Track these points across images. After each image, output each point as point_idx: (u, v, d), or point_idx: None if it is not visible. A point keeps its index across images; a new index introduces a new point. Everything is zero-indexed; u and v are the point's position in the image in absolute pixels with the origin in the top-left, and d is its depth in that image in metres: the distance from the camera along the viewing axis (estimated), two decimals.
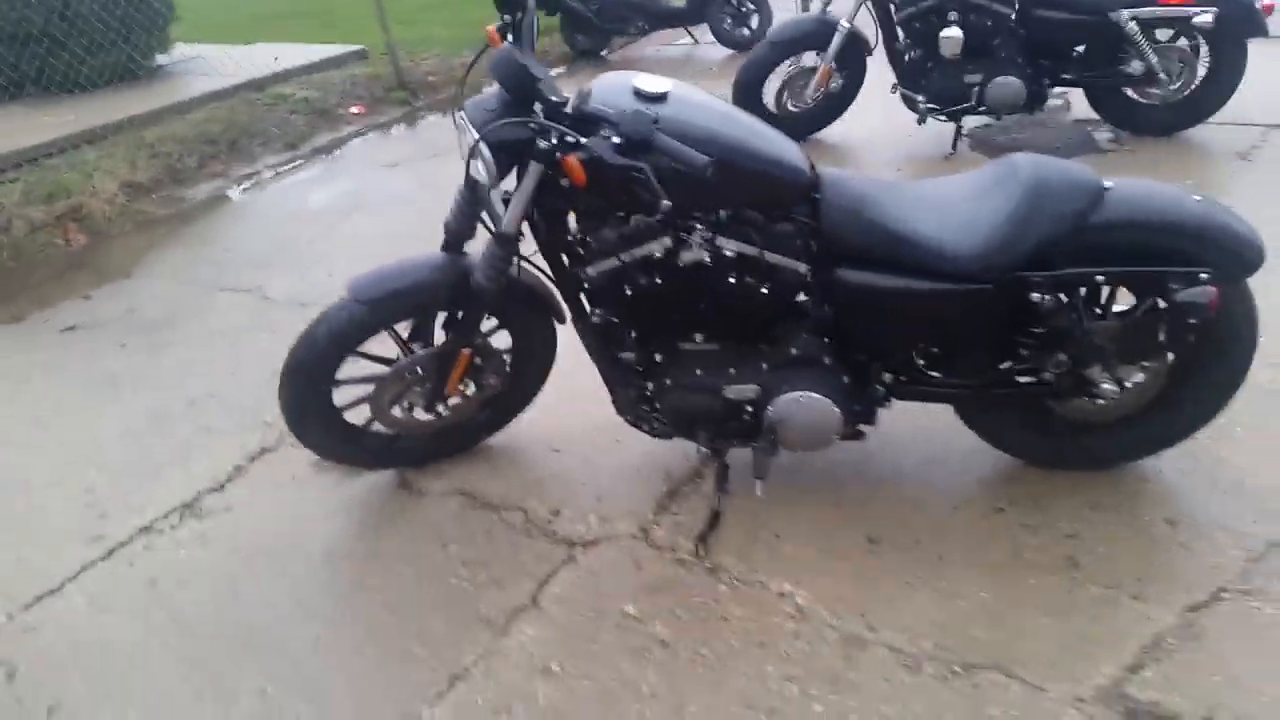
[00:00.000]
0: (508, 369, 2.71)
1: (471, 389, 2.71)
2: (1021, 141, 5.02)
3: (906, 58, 4.85)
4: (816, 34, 4.95)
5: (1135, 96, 4.74)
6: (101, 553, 2.71)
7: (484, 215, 2.36)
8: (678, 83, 2.25)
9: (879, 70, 5.06)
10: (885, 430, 2.69)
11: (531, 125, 2.12)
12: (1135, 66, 4.52)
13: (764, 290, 2.30)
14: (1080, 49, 4.66)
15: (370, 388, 2.59)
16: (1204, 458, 2.59)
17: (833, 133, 5.34)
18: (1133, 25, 4.40)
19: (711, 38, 7.83)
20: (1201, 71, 4.58)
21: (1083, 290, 2.25)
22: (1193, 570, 2.25)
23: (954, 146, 4.92)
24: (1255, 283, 2.24)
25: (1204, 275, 2.14)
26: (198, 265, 4.79)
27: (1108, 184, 2.20)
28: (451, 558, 2.54)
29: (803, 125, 5.27)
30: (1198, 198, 2.21)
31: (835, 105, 5.23)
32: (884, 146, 5.19)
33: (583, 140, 2.05)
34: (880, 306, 2.28)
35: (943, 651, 2.10)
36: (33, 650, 2.39)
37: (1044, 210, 2.14)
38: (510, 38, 2.34)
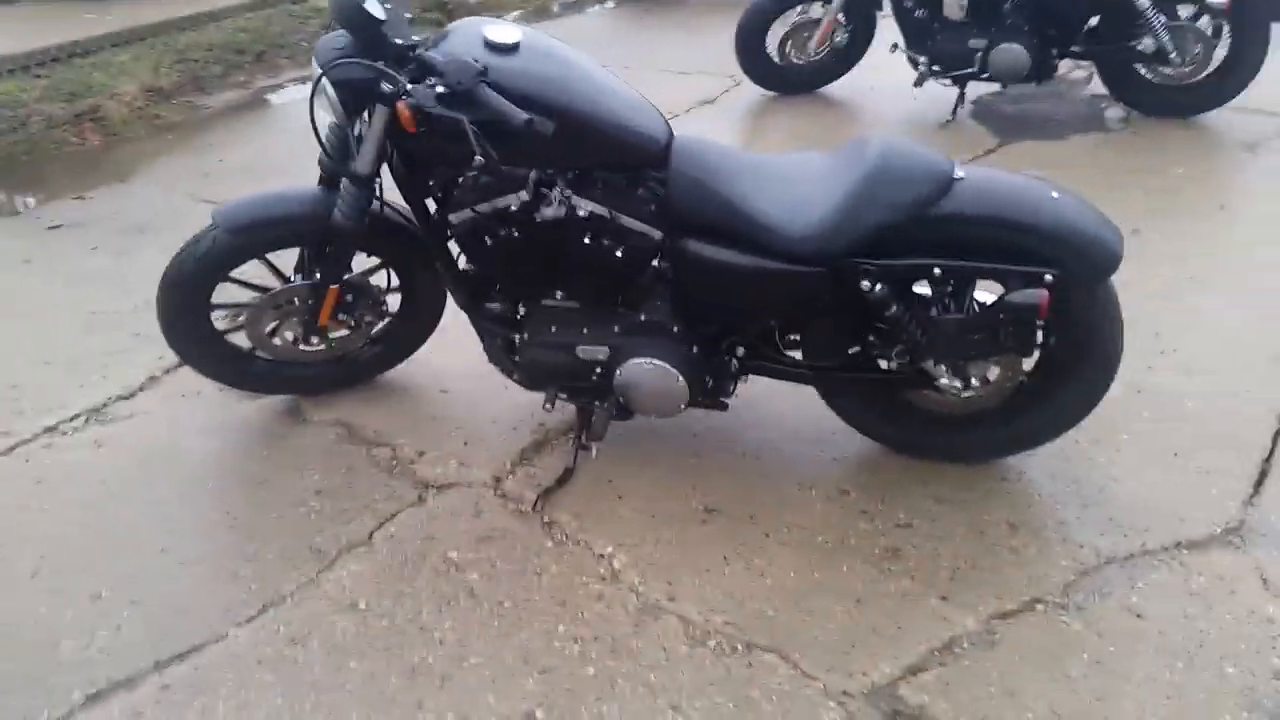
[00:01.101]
0: (384, 307, 2.75)
1: (350, 324, 2.74)
2: (1027, 112, 4.82)
3: (913, 16, 4.66)
4: None
5: (1149, 75, 4.49)
6: (4, 447, 2.84)
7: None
8: (533, 33, 2.22)
9: (892, 28, 4.88)
10: (760, 403, 2.68)
11: (364, 67, 2.12)
12: (1146, 44, 4.29)
13: (618, 253, 2.28)
14: (1094, 21, 4.42)
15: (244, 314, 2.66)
16: (1079, 462, 2.52)
17: (835, 89, 5.19)
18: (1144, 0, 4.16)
19: None
20: (1221, 54, 4.32)
21: (948, 282, 2.18)
22: (1014, 577, 2.20)
23: (954, 113, 4.74)
24: None
25: (1048, 276, 2.06)
26: (191, 175, 4.90)
27: (959, 174, 2.12)
28: (310, 487, 2.61)
29: (805, 78, 5.15)
30: (1056, 194, 2.12)
31: (842, 61, 5.09)
32: (882, 107, 5.03)
33: (408, 87, 2.05)
34: (721, 281, 2.24)
35: (730, 628, 2.10)
36: None
37: (879, 196, 2.08)
38: None
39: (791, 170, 2.24)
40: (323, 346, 2.80)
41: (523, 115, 1.97)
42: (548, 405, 2.51)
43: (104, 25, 6.62)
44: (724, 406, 2.52)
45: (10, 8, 7.08)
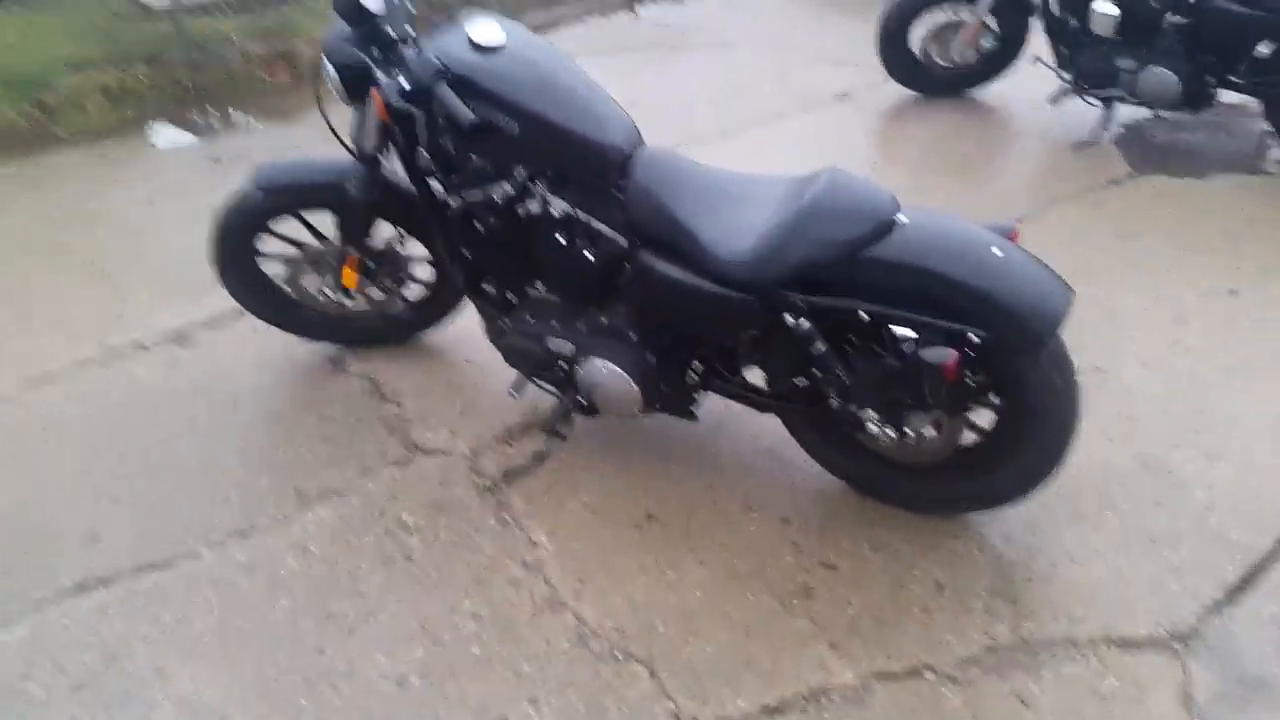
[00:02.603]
0: (406, 275, 2.95)
1: (378, 288, 2.96)
2: (1177, 143, 4.44)
3: (1062, 27, 4.38)
4: None
5: None
6: (99, 355, 3.27)
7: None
8: (519, 36, 2.31)
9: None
10: (745, 420, 2.70)
11: (354, 56, 2.29)
12: None
13: (587, 255, 2.36)
14: (1263, 50, 4.01)
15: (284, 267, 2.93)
16: (1047, 533, 2.42)
17: (978, 94, 4.98)
18: None
19: None
20: None
21: (877, 327, 2.13)
22: (915, 639, 2.16)
23: (1093, 135, 4.43)
24: None
25: (972, 336, 1.98)
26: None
27: (902, 218, 2.06)
28: (319, 432, 2.87)
29: (947, 81, 4.95)
30: (999, 250, 2.02)
31: (988, 66, 4.84)
32: (1019, 119, 4.77)
33: (379, 78, 2.20)
34: (665, 295, 2.27)
35: (617, 635, 2.19)
36: (7, 420, 2.98)
37: (809, 232, 2.06)
38: None
39: (749, 193, 2.24)
40: (364, 304, 3.04)
41: (470, 117, 2.09)
42: (512, 391, 2.64)
43: None
44: (692, 417, 2.57)
45: None
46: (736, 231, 2.15)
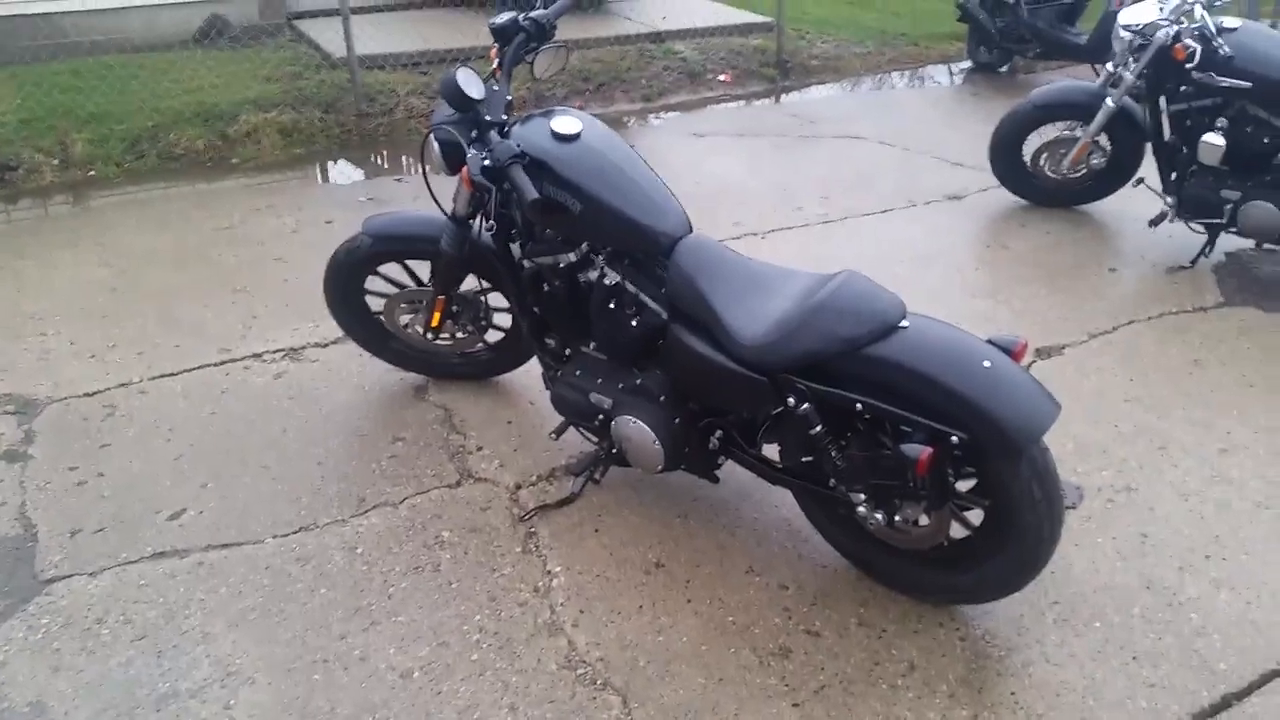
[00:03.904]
0: (485, 322, 3.28)
1: (461, 331, 3.31)
2: None
3: (1171, 152, 4.43)
4: (1083, 106, 4.68)
5: None
6: (218, 360, 3.73)
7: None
8: (593, 129, 2.63)
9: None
10: (766, 488, 2.89)
11: (453, 134, 2.64)
12: None
13: (633, 322, 2.64)
14: None
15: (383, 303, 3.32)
16: (1031, 633, 2.49)
17: (1087, 209, 5.02)
18: None
19: None
20: None
21: (873, 419, 2.31)
22: (875, 711, 2.27)
23: (1192, 262, 4.43)
24: None
25: (954, 438, 2.14)
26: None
27: (904, 323, 2.25)
28: (390, 450, 3.20)
29: (1056, 193, 5.03)
30: (989, 364, 2.17)
31: (1098, 183, 4.91)
32: (1123, 238, 4.79)
33: (468, 154, 2.55)
34: (690, 367, 2.51)
35: (601, 664, 2.39)
36: (130, 405, 3.45)
37: (815, 326, 2.26)
38: (499, 62, 2.84)
39: (776, 284, 2.46)
40: (448, 343, 3.39)
41: (532, 194, 2.40)
42: (553, 435, 2.91)
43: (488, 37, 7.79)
44: (714, 479, 2.78)
45: (426, 11, 8.53)
46: (757, 318, 2.38)
